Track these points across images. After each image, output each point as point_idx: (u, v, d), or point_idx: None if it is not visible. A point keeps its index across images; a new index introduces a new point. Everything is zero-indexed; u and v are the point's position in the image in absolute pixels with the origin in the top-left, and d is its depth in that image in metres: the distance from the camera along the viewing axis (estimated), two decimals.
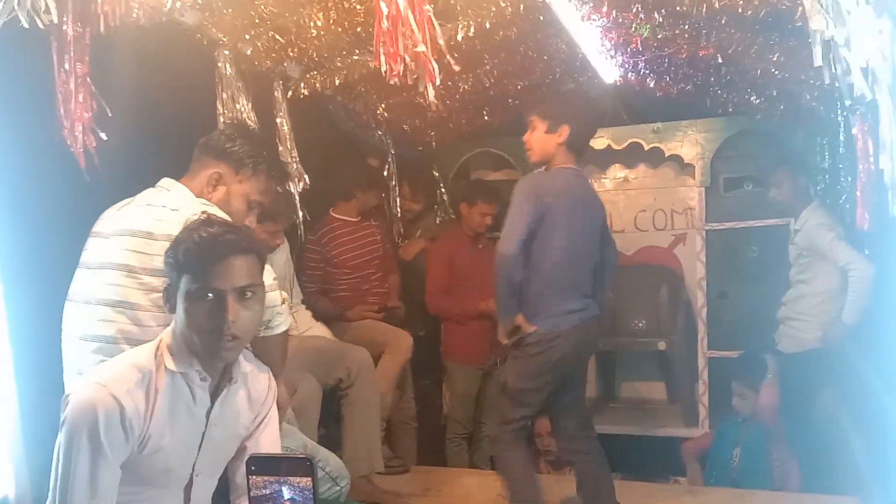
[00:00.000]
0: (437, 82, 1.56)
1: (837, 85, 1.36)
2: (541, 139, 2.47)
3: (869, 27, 1.28)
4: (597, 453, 2.59)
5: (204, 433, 1.50)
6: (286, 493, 1.15)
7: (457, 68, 1.66)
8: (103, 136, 1.83)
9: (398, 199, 4.02)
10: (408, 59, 1.53)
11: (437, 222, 4.28)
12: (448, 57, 1.57)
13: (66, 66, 1.77)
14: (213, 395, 1.52)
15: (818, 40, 1.32)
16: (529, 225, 2.37)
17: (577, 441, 2.60)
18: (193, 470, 1.52)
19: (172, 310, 1.46)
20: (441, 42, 1.54)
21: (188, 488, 1.52)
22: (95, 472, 1.34)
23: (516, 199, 2.40)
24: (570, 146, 2.46)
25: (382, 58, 1.51)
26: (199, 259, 1.40)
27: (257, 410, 1.64)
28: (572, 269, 2.49)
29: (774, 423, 3.20)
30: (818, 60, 1.33)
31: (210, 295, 1.40)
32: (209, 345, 1.43)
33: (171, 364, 1.44)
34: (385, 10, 1.47)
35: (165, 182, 1.86)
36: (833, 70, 1.34)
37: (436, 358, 3.86)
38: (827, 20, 1.30)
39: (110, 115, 1.81)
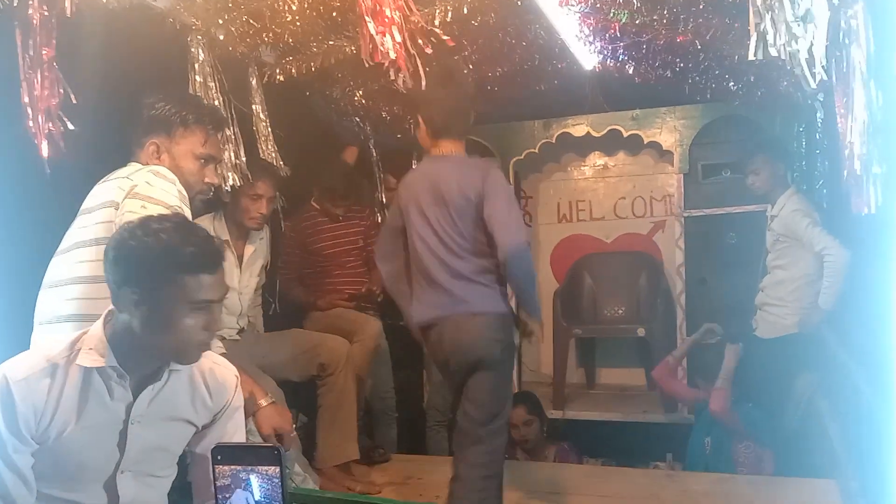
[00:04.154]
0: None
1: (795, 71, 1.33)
2: (419, 136, 2.49)
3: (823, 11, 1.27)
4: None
5: (125, 430, 1.42)
6: (253, 482, 1.13)
7: (428, 51, 1.65)
8: (70, 125, 1.76)
9: (382, 189, 3.99)
10: (388, 45, 1.51)
11: None
12: (421, 40, 1.55)
13: (31, 51, 1.72)
14: (136, 392, 1.43)
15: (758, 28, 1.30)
16: None
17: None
18: (118, 468, 1.43)
19: (122, 309, 1.36)
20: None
21: (111, 486, 1.44)
22: None
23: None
24: (434, 134, 2.42)
25: (377, 38, 1.48)
26: (154, 269, 1.31)
27: (209, 413, 1.55)
28: None
29: (731, 422, 3.23)
30: (752, 54, 1.31)
31: (176, 308, 1.32)
32: (174, 353, 1.40)
33: (85, 360, 1.36)
34: None
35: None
36: (783, 58, 1.31)
37: (416, 347, 3.85)
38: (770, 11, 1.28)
39: (75, 101, 1.75)
